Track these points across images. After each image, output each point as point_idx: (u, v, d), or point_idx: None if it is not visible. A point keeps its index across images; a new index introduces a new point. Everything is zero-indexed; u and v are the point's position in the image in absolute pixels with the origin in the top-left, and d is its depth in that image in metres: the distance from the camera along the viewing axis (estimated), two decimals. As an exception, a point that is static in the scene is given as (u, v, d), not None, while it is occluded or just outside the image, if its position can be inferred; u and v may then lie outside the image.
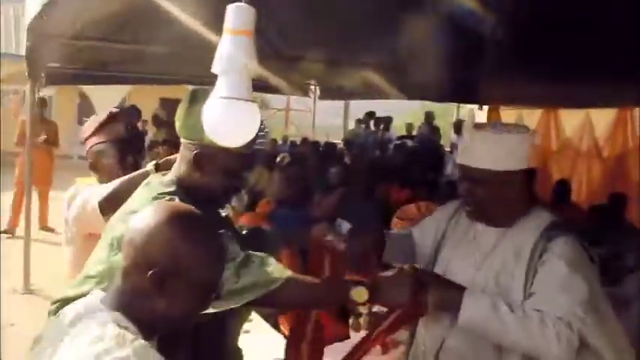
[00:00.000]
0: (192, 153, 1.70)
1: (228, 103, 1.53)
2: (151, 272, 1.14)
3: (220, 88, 1.55)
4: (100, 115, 2.62)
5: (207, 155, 1.68)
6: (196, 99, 1.69)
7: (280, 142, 12.19)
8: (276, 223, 4.45)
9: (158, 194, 1.63)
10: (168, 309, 1.18)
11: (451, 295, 1.66)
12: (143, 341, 1.10)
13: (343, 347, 2.17)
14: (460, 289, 1.66)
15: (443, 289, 1.68)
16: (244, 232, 2.08)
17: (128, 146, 2.56)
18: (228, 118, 1.55)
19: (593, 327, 1.59)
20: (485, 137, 1.75)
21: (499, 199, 1.76)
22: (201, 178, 1.71)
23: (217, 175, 1.71)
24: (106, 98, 12.39)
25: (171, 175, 1.76)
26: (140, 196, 1.70)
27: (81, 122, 8.95)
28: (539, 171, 6.43)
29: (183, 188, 1.68)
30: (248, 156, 1.77)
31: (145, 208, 1.25)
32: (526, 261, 1.71)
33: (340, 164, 7.26)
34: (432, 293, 1.64)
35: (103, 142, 2.54)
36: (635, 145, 6.73)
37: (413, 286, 1.63)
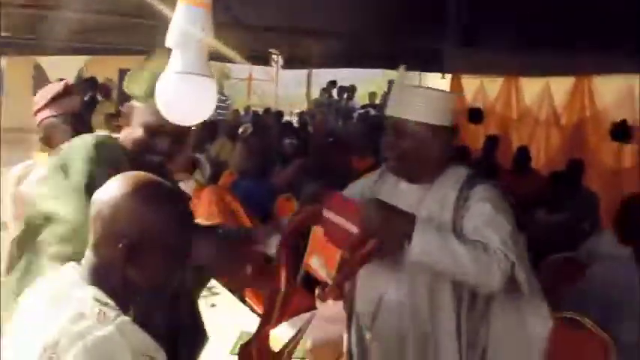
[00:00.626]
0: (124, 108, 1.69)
1: (183, 78, 1.48)
2: (121, 245, 1.14)
3: (175, 63, 1.49)
4: (54, 86, 2.52)
5: (133, 109, 1.68)
6: (150, 58, 1.68)
7: (243, 112, 12.04)
8: (239, 194, 4.42)
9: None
10: (142, 278, 1.19)
11: (402, 226, 1.67)
12: (125, 317, 1.10)
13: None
14: (411, 220, 1.67)
15: (398, 218, 1.70)
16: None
17: (82, 121, 2.47)
18: (182, 95, 1.49)
19: (518, 261, 1.65)
20: (413, 91, 1.84)
21: (422, 153, 1.81)
22: (128, 135, 1.69)
23: (138, 129, 1.66)
24: (62, 69, 12.01)
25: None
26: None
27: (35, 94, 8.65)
28: (501, 138, 6.52)
29: (123, 148, 1.67)
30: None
31: (109, 182, 1.23)
32: (451, 211, 1.77)
33: (298, 135, 7.19)
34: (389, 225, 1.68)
35: (55, 115, 2.44)
36: (592, 113, 6.88)
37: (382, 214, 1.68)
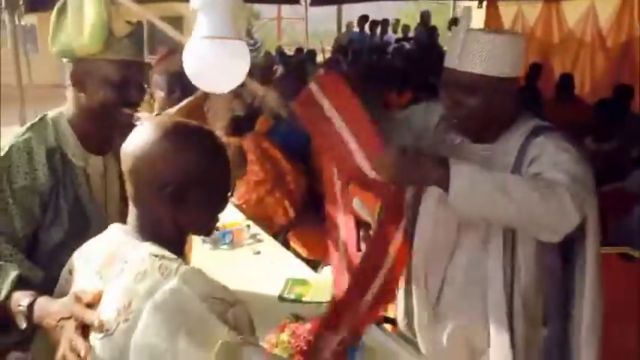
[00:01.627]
0: (70, 72, 1.54)
1: (211, 43, 1.40)
2: (165, 191, 1.12)
3: (201, 27, 1.40)
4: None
5: (85, 71, 1.51)
6: (63, 8, 1.52)
7: (275, 53, 11.87)
8: (276, 139, 4.38)
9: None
10: (192, 220, 1.19)
11: (436, 171, 1.46)
12: (186, 265, 1.10)
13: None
14: (444, 164, 1.45)
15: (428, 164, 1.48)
16: None
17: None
18: (211, 61, 1.41)
19: (590, 203, 1.51)
20: (478, 38, 1.56)
21: (492, 110, 1.60)
22: (86, 99, 1.54)
23: (102, 89, 1.51)
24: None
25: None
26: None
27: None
28: (541, 65, 6.30)
29: (71, 117, 1.58)
30: (136, 63, 1.54)
31: (134, 133, 1.19)
32: (511, 166, 1.59)
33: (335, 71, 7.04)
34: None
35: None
36: (641, 31, 6.53)
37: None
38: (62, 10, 1.52)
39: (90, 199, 1.60)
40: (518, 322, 1.66)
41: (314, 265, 3.33)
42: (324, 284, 2.35)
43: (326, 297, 2.29)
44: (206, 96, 1.93)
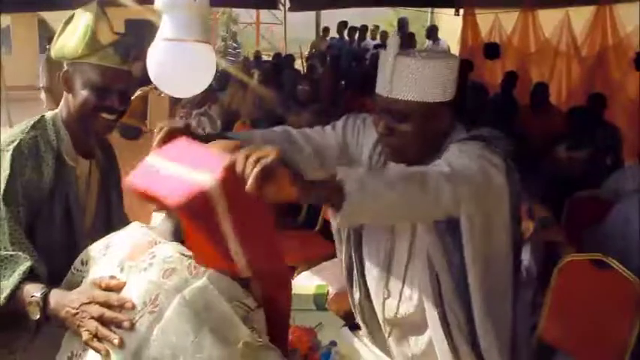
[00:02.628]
0: (61, 74, 1.62)
1: (174, 46, 1.37)
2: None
3: (164, 28, 1.37)
4: None
5: (73, 73, 1.60)
6: (72, 17, 1.61)
7: (252, 58, 11.83)
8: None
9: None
10: None
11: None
12: (213, 270, 1.15)
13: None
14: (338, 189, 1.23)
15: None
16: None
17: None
18: (174, 65, 1.38)
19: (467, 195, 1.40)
20: (408, 64, 1.48)
21: (424, 135, 1.53)
22: (72, 101, 1.62)
23: (84, 92, 1.59)
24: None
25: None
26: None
27: (43, 51, 8.50)
28: (517, 73, 6.34)
29: (64, 118, 1.63)
30: (119, 71, 1.60)
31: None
32: None
33: (310, 79, 6.99)
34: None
35: None
36: (615, 42, 6.63)
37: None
38: (70, 20, 1.62)
39: (76, 201, 1.63)
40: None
41: (289, 270, 3.31)
42: (299, 290, 2.32)
43: (301, 304, 2.27)
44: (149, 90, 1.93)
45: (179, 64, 1.38)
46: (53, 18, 12.17)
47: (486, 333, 1.58)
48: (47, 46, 7.96)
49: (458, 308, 1.58)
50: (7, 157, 1.50)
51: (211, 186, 1.05)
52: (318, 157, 1.67)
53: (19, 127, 1.59)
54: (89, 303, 1.18)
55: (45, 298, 1.28)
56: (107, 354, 1.12)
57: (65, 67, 1.61)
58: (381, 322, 1.81)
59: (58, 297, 1.27)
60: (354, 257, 1.80)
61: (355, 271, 1.81)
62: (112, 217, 1.75)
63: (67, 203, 1.60)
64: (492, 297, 1.57)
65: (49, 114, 1.66)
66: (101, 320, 1.15)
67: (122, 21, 13.67)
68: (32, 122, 1.60)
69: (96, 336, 1.15)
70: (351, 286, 1.86)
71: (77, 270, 1.32)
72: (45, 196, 1.55)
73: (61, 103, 1.67)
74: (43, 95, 7.84)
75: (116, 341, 1.11)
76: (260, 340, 1.14)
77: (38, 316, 1.28)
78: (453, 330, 1.60)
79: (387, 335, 1.80)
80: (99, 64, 1.57)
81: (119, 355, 1.11)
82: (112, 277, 1.20)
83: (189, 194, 1.05)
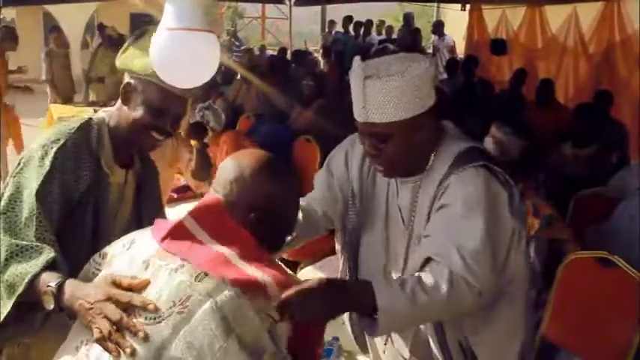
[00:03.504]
0: (123, 84, 1.62)
1: (178, 35, 1.35)
2: (252, 215, 1.26)
3: (167, 18, 1.36)
4: None
5: (136, 87, 1.60)
6: (144, 32, 1.60)
7: (257, 52, 11.82)
8: (257, 138, 4.36)
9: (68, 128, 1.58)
10: (264, 240, 1.28)
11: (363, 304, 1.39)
12: None
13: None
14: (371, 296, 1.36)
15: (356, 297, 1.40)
16: None
17: None
18: (178, 54, 1.37)
19: (484, 284, 1.43)
20: (376, 86, 1.45)
21: (411, 148, 1.52)
22: (127, 113, 1.63)
23: (141, 109, 1.60)
24: (73, 17, 11.84)
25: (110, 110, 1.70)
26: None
27: (47, 44, 8.49)
28: (526, 71, 6.28)
29: (111, 126, 1.64)
30: (179, 98, 1.62)
31: (245, 154, 1.33)
32: (431, 198, 1.55)
33: (314, 74, 6.96)
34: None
35: None
36: (622, 38, 6.59)
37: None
38: (142, 35, 1.62)
39: (105, 207, 1.63)
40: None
41: (293, 265, 3.31)
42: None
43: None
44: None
45: (183, 53, 1.36)
46: (58, 11, 12.20)
47: (488, 344, 1.59)
48: (51, 39, 7.99)
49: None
50: (51, 154, 1.50)
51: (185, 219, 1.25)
52: (330, 209, 1.79)
53: (65, 126, 1.59)
54: (106, 300, 1.18)
55: (60, 288, 1.28)
56: (117, 354, 1.11)
57: (127, 80, 1.61)
58: None
59: (73, 288, 1.27)
60: (350, 263, 1.81)
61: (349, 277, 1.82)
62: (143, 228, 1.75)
63: (97, 209, 1.60)
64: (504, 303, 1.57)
65: (96, 118, 1.66)
66: (116, 324, 1.14)
67: (127, 15, 13.73)
68: (79, 123, 1.60)
69: (108, 336, 1.14)
70: None
71: (94, 262, 1.32)
72: (78, 198, 1.55)
73: (112, 110, 1.68)
74: (48, 89, 7.87)
75: (128, 350, 1.10)
76: (282, 354, 1.16)
77: (52, 306, 1.28)
78: (449, 340, 1.60)
79: (384, 342, 1.79)
80: (163, 87, 1.57)
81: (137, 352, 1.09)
82: (134, 278, 1.19)
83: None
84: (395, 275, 1.68)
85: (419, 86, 1.46)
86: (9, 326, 1.40)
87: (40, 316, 1.41)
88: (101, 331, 1.14)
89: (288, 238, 1.60)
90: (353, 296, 1.39)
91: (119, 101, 1.65)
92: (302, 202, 1.78)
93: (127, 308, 1.16)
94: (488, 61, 8.21)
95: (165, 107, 1.60)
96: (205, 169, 2.80)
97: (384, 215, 1.70)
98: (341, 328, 1.91)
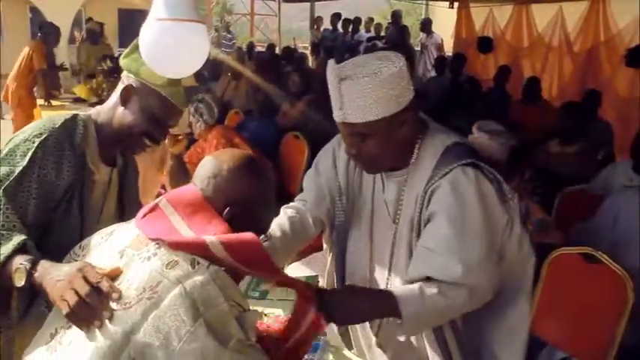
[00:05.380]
0: (124, 85, 1.62)
1: (167, 26, 1.35)
2: (227, 210, 1.28)
3: (157, 9, 1.37)
4: None
5: (138, 92, 1.60)
6: None
7: (245, 48, 11.79)
8: (246, 133, 4.35)
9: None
10: None
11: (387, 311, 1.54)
12: (216, 266, 1.18)
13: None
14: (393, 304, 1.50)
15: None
16: None
17: None
18: (168, 45, 1.37)
19: (486, 284, 1.54)
20: (352, 87, 1.46)
21: (392, 144, 1.54)
22: (122, 115, 1.62)
23: (140, 115, 1.60)
24: (60, 11, 11.72)
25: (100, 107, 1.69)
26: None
27: (34, 38, 8.42)
28: (510, 68, 6.32)
29: (99, 123, 1.64)
30: (178, 111, 1.64)
31: (226, 152, 1.36)
32: (417, 211, 1.58)
33: (302, 70, 6.95)
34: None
35: None
36: (607, 38, 6.65)
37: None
38: None
39: (89, 204, 1.62)
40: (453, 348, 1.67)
41: (281, 262, 3.31)
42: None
43: (289, 294, 2.28)
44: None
45: (172, 43, 1.37)
46: (45, 5, 12.07)
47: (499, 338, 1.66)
48: (38, 34, 7.92)
49: None
50: (32, 148, 1.50)
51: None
52: (319, 210, 1.80)
53: (49, 121, 1.58)
54: (78, 273, 1.19)
55: (33, 266, 1.29)
56: (87, 328, 1.14)
57: (130, 82, 1.60)
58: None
59: (46, 266, 1.29)
60: (337, 259, 1.83)
61: (335, 274, 1.85)
62: None
63: (82, 206, 1.60)
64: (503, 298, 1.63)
65: (82, 115, 1.65)
66: (83, 300, 1.15)
67: (115, 10, 13.62)
68: (64, 119, 1.59)
69: (76, 308, 1.15)
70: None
71: (74, 253, 1.34)
72: (60, 194, 1.54)
73: (104, 107, 1.67)
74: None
75: (98, 323, 1.12)
76: (249, 340, 1.18)
77: (23, 283, 1.28)
78: (446, 332, 1.66)
79: (373, 334, 1.81)
80: (167, 98, 1.58)
81: (107, 337, 1.11)
82: (116, 269, 1.20)
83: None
84: (380, 269, 1.70)
85: (394, 84, 1.47)
86: None
87: (21, 306, 1.40)
88: (69, 305, 1.15)
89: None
90: (379, 304, 1.52)
91: (113, 100, 1.64)
92: (291, 210, 1.83)
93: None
94: (474, 59, 8.26)
95: (164, 117, 1.62)
96: (181, 175, 2.85)
97: (370, 211, 1.73)
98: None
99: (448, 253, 1.49)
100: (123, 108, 1.61)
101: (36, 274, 1.28)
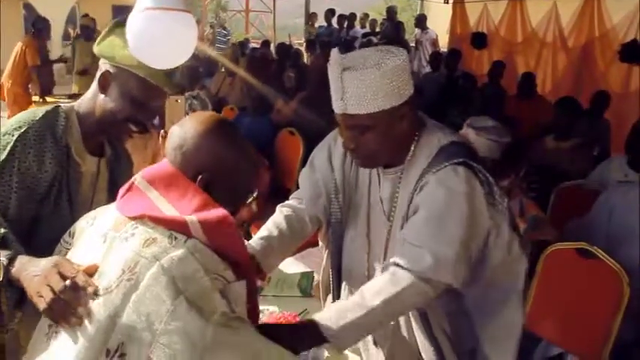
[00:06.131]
0: (101, 72, 1.58)
1: (154, 15, 1.34)
2: (200, 176, 1.23)
3: None
4: None
5: (115, 77, 1.57)
6: (124, 20, 1.56)
7: (239, 46, 11.75)
8: (241, 129, 4.33)
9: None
10: None
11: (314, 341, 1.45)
12: (194, 239, 1.16)
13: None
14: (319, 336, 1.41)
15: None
16: None
17: None
18: (155, 35, 1.35)
19: (453, 280, 1.48)
20: (355, 77, 1.46)
21: (391, 138, 1.54)
22: (103, 102, 1.59)
23: (120, 100, 1.57)
24: (54, 7, 11.66)
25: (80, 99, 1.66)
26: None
27: (28, 34, 8.37)
28: (504, 63, 6.33)
29: (81, 113, 1.61)
30: (161, 91, 1.60)
31: (188, 119, 1.30)
32: (411, 191, 1.57)
33: (298, 66, 6.94)
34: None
35: None
36: (601, 33, 6.66)
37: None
38: (122, 22, 1.56)
39: (77, 196, 1.60)
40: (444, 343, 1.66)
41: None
42: (282, 277, 2.33)
43: (284, 290, 2.28)
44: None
45: (160, 32, 1.34)
46: (39, 1, 12.01)
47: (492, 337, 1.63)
48: (32, 30, 7.87)
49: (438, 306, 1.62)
50: (11, 141, 1.48)
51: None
52: (315, 208, 1.79)
53: (30, 114, 1.56)
54: (53, 268, 1.17)
55: (11, 261, 1.27)
56: (66, 325, 1.13)
57: (107, 68, 1.57)
58: None
59: (24, 261, 1.27)
60: (333, 256, 1.82)
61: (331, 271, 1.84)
62: None
63: (70, 198, 1.58)
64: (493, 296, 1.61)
65: (64, 106, 1.62)
66: (58, 296, 1.13)
67: (109, 7, 13.55)
68: (45, 111, 1.57)
69: (52, 305, 1.13)
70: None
71: (64, 241, 1.32)
72: (44, 187, 1.52)
73: (85, 99, 1.64)
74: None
75: (74, 320, 1.11)
76: (234, 313, 1.15)
77: (0, 279, 1.26)
78: (435, 330, 1.64)
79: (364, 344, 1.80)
80: (146, 79, 1.54)
81: (94, 324, 1.10)
82: (93, 265, 1.18)
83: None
84: (377, 266, 1.70)
85: (396, 77, 1.47)
86: None
87: (9, 301, 1.35)
88: (45, 301, 1.14)
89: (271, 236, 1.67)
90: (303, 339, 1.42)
91: (93, 89, 1.62)
92: (287, 209, 1.82)
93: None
94: (469, 54, 8.26)
95: (145, 99, 1.58)
96: None
97: (367, 208, 1.72)
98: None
99: (422, 245, 1.47)
100: (103, 95, 1.58)
101: (13, 270, 1.26)
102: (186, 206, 1.19)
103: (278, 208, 1.84)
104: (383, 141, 1.53)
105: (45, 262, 1.22)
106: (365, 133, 1.52)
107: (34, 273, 1.20)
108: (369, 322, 1.46)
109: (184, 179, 1.23)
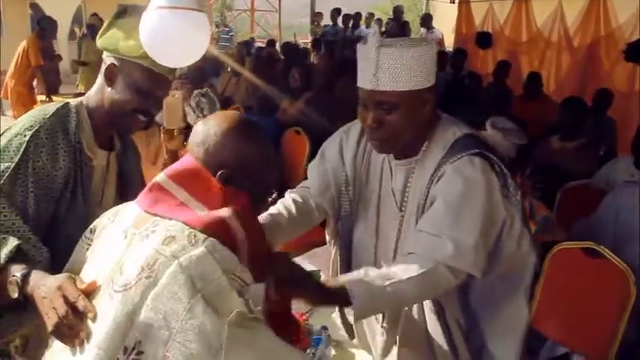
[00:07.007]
0: (105, 65, 1.60)
1: (169, 14, 1.35)
2: (220, 172, 1.24)
3: None
4: None
5: (121, 69, 1.58)
6: (124, 12, 1.59)
7: (244, 45, 11.77)
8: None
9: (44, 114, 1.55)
10: None
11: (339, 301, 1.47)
12: (213, 239, 1.16)
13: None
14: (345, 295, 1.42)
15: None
16: None
17: None
18: (169, 33, 1.36)
19: (476, 266, 1.50)
20: (391, 54, 1.49)
21: (413, 122, 1.56)
22: (110, 95, 1.60)
23: (127, 92, 1.58)
24: (60, 6, 11.71)
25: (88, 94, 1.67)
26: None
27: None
28: (509, 63, 6.30)
29: (90, 108, 1.62)
30: (166, 80, 1.62)
31: (214, 116, 1.32)
32: (427, 183, 1.58)
33: (304, 65, 6.93)
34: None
35: None
36: (607, 32, 6.64)
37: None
38: (123, 15, 1.60)
39: (89, 191, 1.61)
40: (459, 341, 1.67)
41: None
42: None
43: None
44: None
45: (173, 31, 1.35)
46: (45, 1, 12.06)
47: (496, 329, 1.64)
48: (38, 29, 7.90)
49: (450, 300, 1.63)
50: (24, 142, 1.48)
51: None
52: (323, 198, 1.80)
53: (40, 112, 1.56)
54: (57, 291, 1.18)
55: (25, 278, 1.28)
56: (72, 344, 1.14)
57: (111, 61, 1.58)
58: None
59: (38, 277, 1.27)
60: (342, 251, 1.84)
61: (340, 265, 1.85)
62: None
63: (84, 193, 1.59)
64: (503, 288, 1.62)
65: (73, 102, 1.63)
66: (61, 320, 1.15)
67: (115, 6, 13.58)
68: (55, 109, 1.57)
69: (57, 328, 1.15)
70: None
71: (86, 237, 1.33)
72: (59, 184, 1.53)
73: (92, 93, 1.65)
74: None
75: (77, 342, 1.12)
76: (253, 313, 1.15)
77: (16, 295, 1.27)
78: (449, 320, 1.66)
79: (379, 323, 1.81)
80: (150, 68, 1.56)
81: (112, 321, 1.10)
82: (92, 283, 1.19)
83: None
84: (385, 259, 1.70)
85: (428, 61, 1.53)
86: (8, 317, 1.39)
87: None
88: (52, 323, 1.15)
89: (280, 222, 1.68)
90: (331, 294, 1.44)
91: (99, 83, 1.63)
92: (296, 194, 1.82)
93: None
94: (474, 54, 8.25)
95: (151, 89, 1.59)
96: None
97: (377, 200, 1.73)
98: (330, 318, 1.93)
99: (441, 234, 1.48)
100: (110, 88, 1.60)
101: (27, 287, 1.27)
102: (214, 200, 1.21)
103: (287, 193, 1.85)
104: (406, 123, 1.56)
105: (51, 283, 1.22)
106: (391, 113, 1.54)
107: (42, 294, 1.21)
108: (392, 295, 1.44)
109: (207, 174, 1.25)
